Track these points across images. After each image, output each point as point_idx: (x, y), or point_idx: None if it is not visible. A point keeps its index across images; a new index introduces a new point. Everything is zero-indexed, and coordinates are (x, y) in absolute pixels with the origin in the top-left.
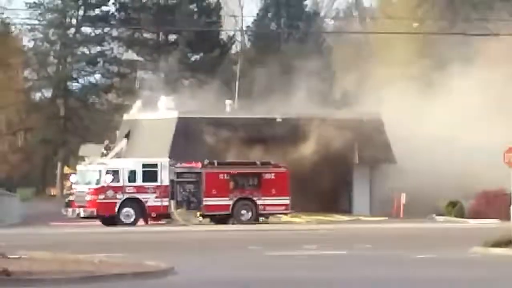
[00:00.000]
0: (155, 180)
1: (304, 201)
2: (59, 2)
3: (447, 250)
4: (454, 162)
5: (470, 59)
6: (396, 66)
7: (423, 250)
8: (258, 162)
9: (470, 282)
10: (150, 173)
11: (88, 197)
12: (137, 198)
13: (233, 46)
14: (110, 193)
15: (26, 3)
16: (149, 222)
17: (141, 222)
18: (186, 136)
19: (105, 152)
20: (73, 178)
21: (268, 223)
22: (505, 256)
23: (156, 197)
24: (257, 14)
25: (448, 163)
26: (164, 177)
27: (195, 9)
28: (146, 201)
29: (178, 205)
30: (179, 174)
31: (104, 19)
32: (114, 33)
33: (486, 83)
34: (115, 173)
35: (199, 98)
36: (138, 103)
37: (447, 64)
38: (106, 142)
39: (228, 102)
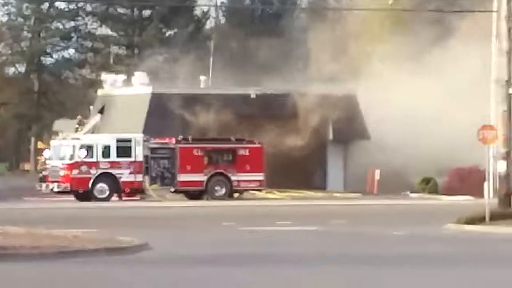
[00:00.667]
0: (129, 155)
1: (278, 177)
2: None
3: (421, 227)
4: (428, 139)
5: (445, 37)
6: (371, 43)
7: (397, 226)
8: (232, 138)
9: (442, 258)
10: (124, 149)
11: (62, 172)
12: (111, 174)
13: (208, 22)
14: (84, 168)
15: None
16: (123, 198)
17: (115, 197)
18: (160, 112)
19: (78, 127)
20: (47, 153)
21: (242, 199)
22: (478, 233)
23: (130, 173)
24: None
25: (422, 140)
26: (138, 153)
27: None
28: (120, 177)
29: (152, 180)
30: (153, 150)
31: None
32: (88, 8)
33: (462, 60)
34: (89, 148)
35: (174, 73)
36: (109, 78)
37: (423, 41)
38: (79, 117)
39: (202, 78)
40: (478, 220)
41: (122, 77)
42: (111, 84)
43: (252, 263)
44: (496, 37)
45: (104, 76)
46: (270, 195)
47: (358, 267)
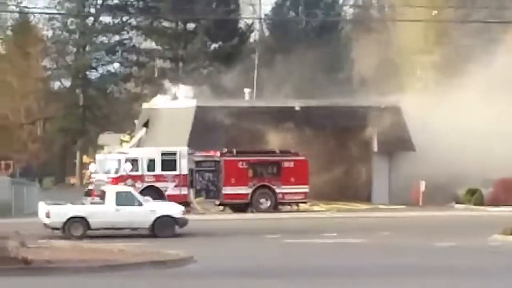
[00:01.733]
0: (174, 169)
1: (323, 189)
2: None
3: (467, 238)
4: (473, 149)
5: (489, 47)
6: (415, 54)
7: (443, 238)
8: (277, 151)
9: (489, 270)
10: (169, 162)
11: None
12: (156, 187)
13: (252, 35)
14: (129, 182)
15: None
16: None
17: None
18: (204, 125)
19: (124, 141)
20: (92, 167)
21: (287, 212)
22: None
23: (175, 186)
24: (275, 2)
25: (467, 151)
26: (183, 166)
27: None
28: (165, 190)
29: (197, 193)
30: (197, 163)
31: (123, 8)
32: (133, 22)
33: (505, 70)
34: (134, 162)
35: (218, 87)
36: (158, 96)
37: (466, 52)
38: (128, 132)
39: (246, 90)
40: None
41: (167, 90)
42: (158, 99)
43: (296, 276)
44: None
45: (154, 89)
46: (315, 208)
47: (400, 279)
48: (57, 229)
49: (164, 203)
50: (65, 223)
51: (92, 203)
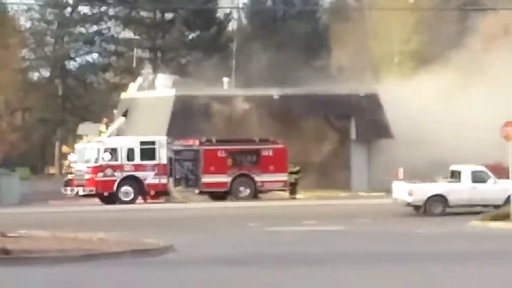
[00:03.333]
0: (153, 158)
1: (302, 177)
2: None
3: (447, 225)
4: (450, 137)
5: (467, 34)
6: (392, 42)
7: (422, 224)
8: (256, 139)
9: (464, 255)
10: (148, 151)
11: (87, 176)
12: (136, 176)
13: (230, 24)
14: (108, 171)
15: None
16: (148, 200)
17: (140, 200)
18: (184, 114)
19: (103, 130)
20: (71, 156)
21: (267, 200)
22: (503, 230)
23: (155, 175)
24: None
25: (444, 138)
26: (162, 155)
27: None
28: (145, 179)
29: (177, 183)
30: (177, 152)
31: None
32: (111, 12)
33: (483, 58)
34: (113, 151)
35: (197, 76)
36: (135, 82)
37: (444, 39)
38: (105, 120)
39: (225, 79)
40: (502, 217)
41: (145, 80)
42: (137, 88)
43: (278, 263)
44: None
45: (132, 79)
46: (294, 195)
47: (381, 265)
48: (417, 207)
49: None
50: (426, 201)
51: (449, 181)
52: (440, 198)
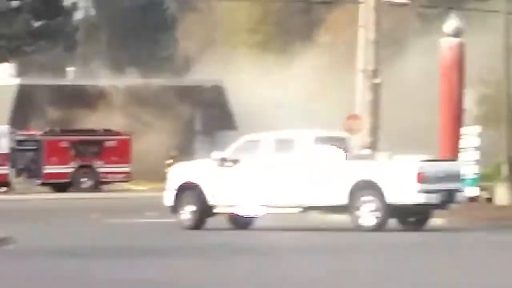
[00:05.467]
0: None
1: (147, 168)
2: None
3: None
4: (293, 128)
5: (313, 27)
6: (239, 33)
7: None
8: (100, 129)
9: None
10: None
11: None
12: None
13: (76, 13)
14: None
15: None
16: None
17: None
18: (27, 104)
19: None
20: None
21: (109, 191)
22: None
23: None
24: None
25: (287, 126)
26: (3, 145)
27: None
28: None
29: (18, 173)
30: (19, 142)
31: None
32: None
33: (328, 50)
34: None
35: (42, 65)
36: None
37: (290, 31)
38: None
39: (71, 69)
40: None
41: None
42: None
43: (118, 256)
44: (363, 27)
45: None
46: (138, 187)
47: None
48: None
49: None
50: None
51: None
52: None
